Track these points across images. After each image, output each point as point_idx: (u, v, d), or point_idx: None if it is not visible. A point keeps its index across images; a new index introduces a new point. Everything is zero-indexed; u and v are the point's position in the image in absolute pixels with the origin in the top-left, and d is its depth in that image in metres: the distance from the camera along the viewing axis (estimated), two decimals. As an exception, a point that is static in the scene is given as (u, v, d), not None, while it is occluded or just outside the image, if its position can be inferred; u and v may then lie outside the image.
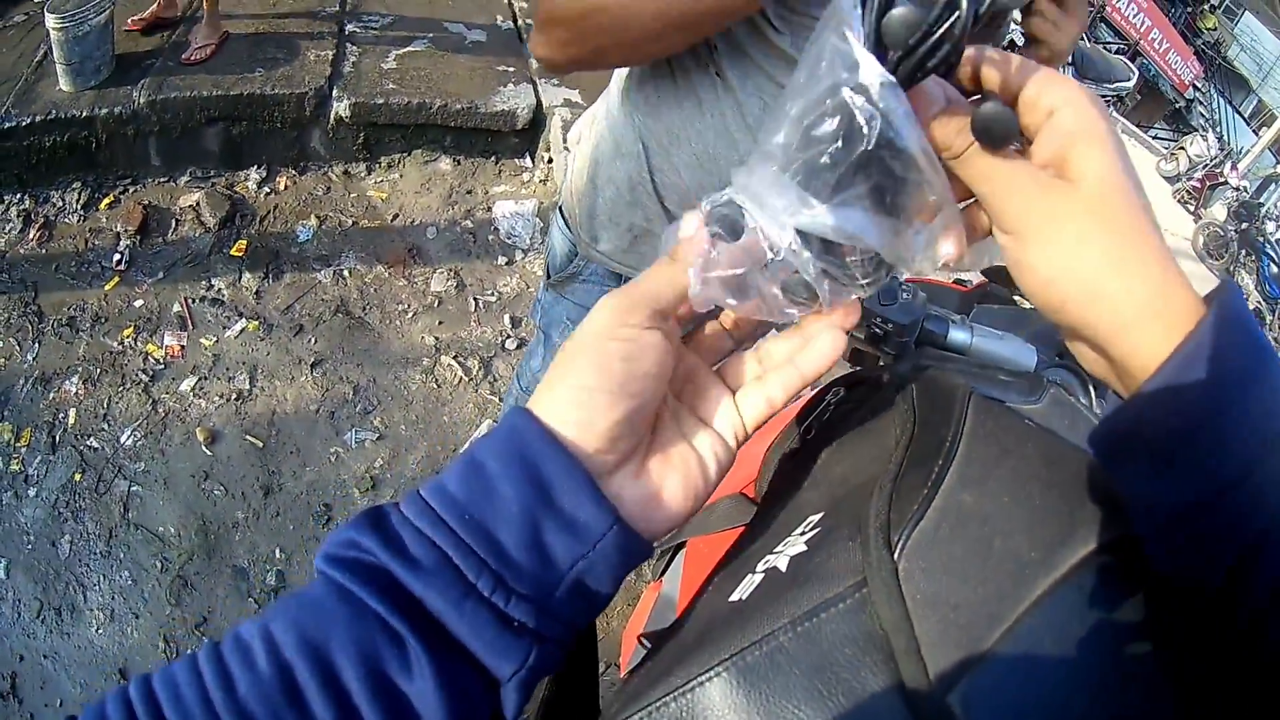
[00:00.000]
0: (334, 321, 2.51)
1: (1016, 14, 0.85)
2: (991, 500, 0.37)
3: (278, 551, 2.00)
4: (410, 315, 2.59)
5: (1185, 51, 11.49)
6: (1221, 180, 8.29)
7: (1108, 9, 10.37)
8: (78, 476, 2.02)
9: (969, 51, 0.36)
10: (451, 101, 2.95)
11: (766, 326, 0.45)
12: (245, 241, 2.63)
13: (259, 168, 2.86)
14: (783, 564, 0.40)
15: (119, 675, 1.76)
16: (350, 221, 2.82)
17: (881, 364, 0.80)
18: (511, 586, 0.34)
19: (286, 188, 2.86)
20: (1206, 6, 13.26)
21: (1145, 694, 0.33)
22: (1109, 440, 0.35)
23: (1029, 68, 0.36)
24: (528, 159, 3.22)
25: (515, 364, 2.50)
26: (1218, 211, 8.16)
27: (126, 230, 2.56)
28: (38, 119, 2.48)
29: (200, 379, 2.28)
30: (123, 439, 2.11)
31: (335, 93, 2.84)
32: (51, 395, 2.16)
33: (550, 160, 3.16)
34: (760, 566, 0.41)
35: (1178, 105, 12.08)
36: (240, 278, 2.55)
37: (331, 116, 2.85)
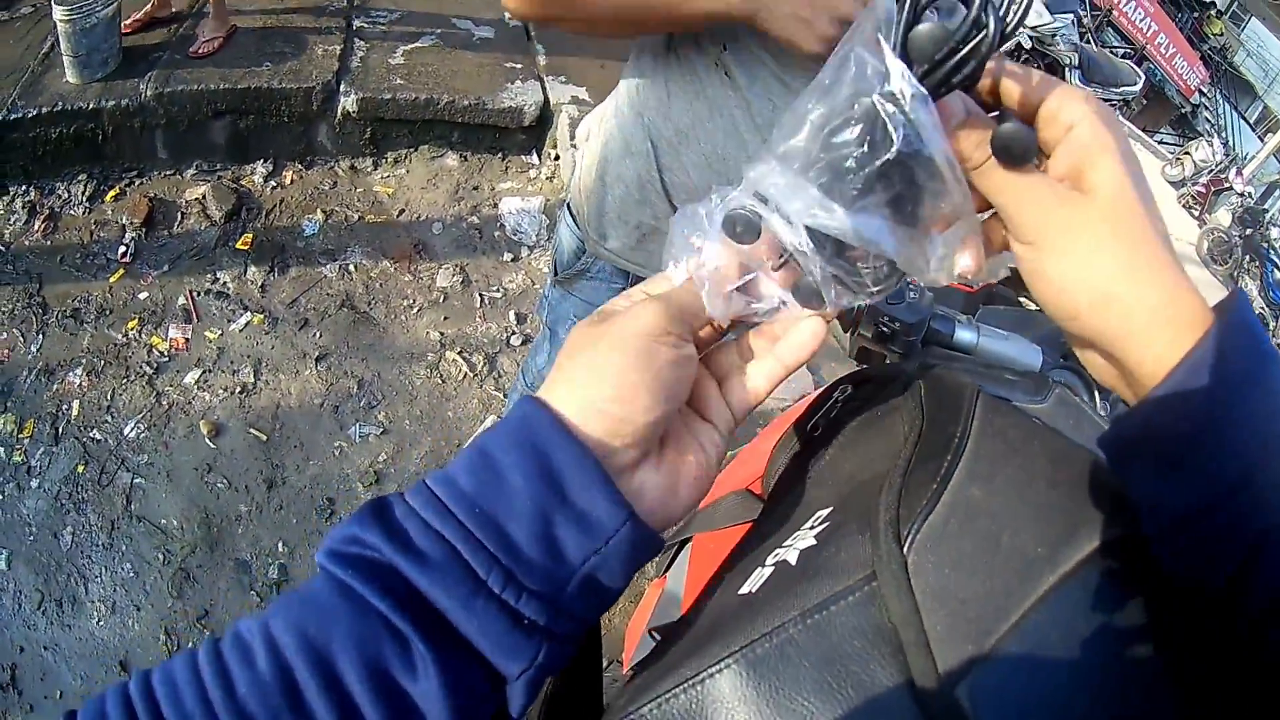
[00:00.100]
0: (339, 316, 2.51)
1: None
2: (999, 496, 0.38)
3: (280, 545, 2.00)
4: (415, 310, 2.60)
5: (1191, 57, 11.46)
6: (1226, 186, 8.26)
7: (1114, 13, 10.35)
8: (80, 468, 2.03)
9: (989, 64, 0.37)
10: (459, 98, 2.95)
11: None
12: (251, 235, 2.64)
13: (265, 161, 2.87)
14: (792, 557, 0.40)
15: (119, 667, 1.77)
16: (356, 216, 2.83)
17: (888, 362, 0.80)
18: (522, 583, 0.33)
19: (293, 182, 2.87)
20: (1213, 12, 13.23)
21: (1146, 694, 0.33)
22: (1118, 444, 0.36)
23: (1048, 83, 0.37)
24: (534, 156, 3.22)
25: (520, 360, 2.50)
26: (1222, 217, 8.13)
27: (132, 222, 2.56)
28: (44, 111, 2.48)
29: (205, 372, 2.28)
30: (126, 431, 2.12)
31: (342, 87, 2.85)
32: (55, 387, 2.17)
33: (557, 157, 3.16)
34: (770, 560, 0.41)
35: (1183, 110, 12.05)
36: (245, 271, 2.56)
37: (338, 111, 2.86)
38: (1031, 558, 0.35)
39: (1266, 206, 8.48)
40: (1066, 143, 0.36)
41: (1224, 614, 0.32)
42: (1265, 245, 8.04)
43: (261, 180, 2.83)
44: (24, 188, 2.56)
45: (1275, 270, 8.14)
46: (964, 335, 0.79)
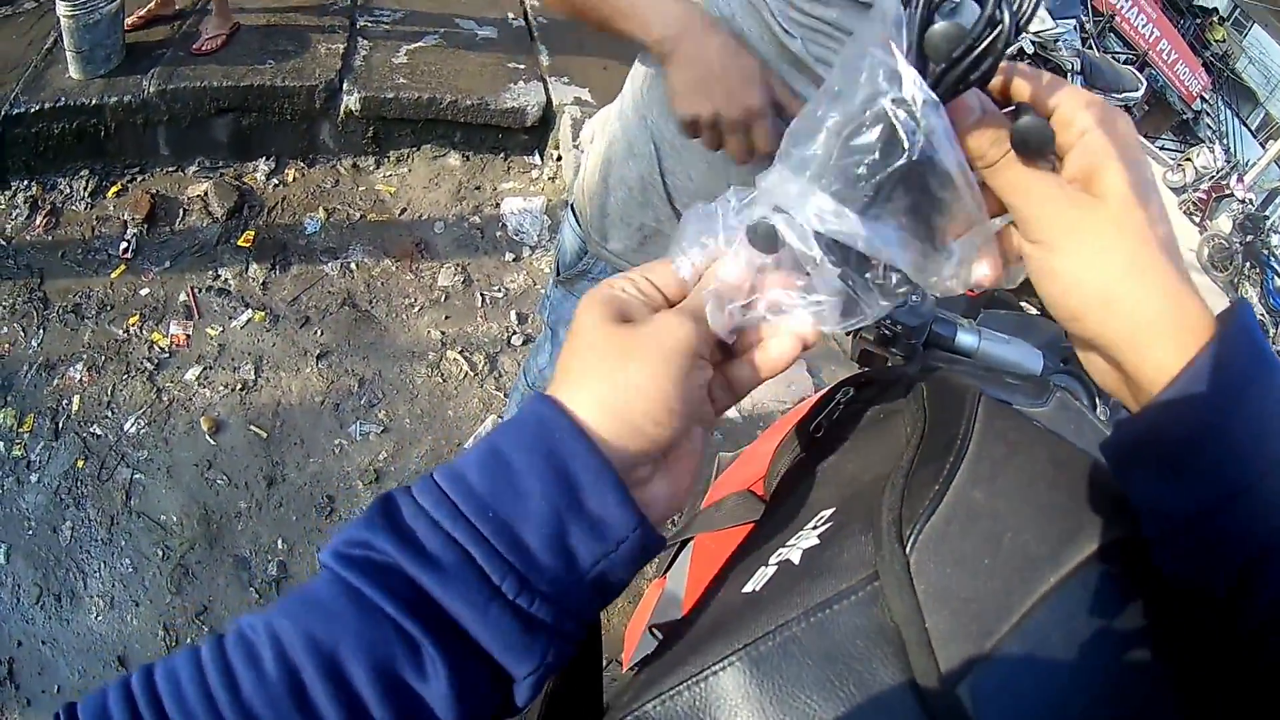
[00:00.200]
0: (340, 314, 2.51)
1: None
2: (1001, 498, 0.38)
3: (280, 542, 2.00)
4: (416, 309, 2.60)
5: (1193, 63, 11.48)
6: (1227, 192, 8.27)
7: (1117, 19, 10.37)
8: (80, 463, 2.03)
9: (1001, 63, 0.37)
10: (461, 97, 2.96)
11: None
12: (253, 232, 2.64)
13: (268, 159, 2.87)
14: (795, 557, 0.40)
15: (118, 663, 1.77)
16: (358, 215, 2.83)
17: (890, 365, 0.80)
18: (535, 587, 0.33)
19: (295, 180, 2.87)
20: (1215, 18, 13.25)
21: (1146, 695, 0.33)
22: (1120, 448, 0.36)
23: (1058, 84, 0.37)
24: (537, 156, 3.22)
25: (521, 360, 2.51)
26: (1223, 223, 8.14)
27: (134, 219, 2.56)
28: (47, 106, 2.48)
29: (205, 368, 2.28)
30: (126, 427, 2.12)
31: (345, 86, 2.85)
32: (55, 382, 2.17)
33: (559, 158, 3.17)
34: (773, 559, 0.42)
35: (1185, 116, 12.07)
36: (247, 268, 2.56)
37: (341, 110, 2.86)
38: (1033, 557, 0.35)
39: (1267, 213, 8.49)
40: (1080, 146, 0.37)
41: (1224, 618, 0.32)
42: (1266, 252, 8.04)
43: (264, 178, 2.83)
44: (26, 183, 2.56)
45: (1276, 277, 8.14)
46: (966, 339, 0.80)
